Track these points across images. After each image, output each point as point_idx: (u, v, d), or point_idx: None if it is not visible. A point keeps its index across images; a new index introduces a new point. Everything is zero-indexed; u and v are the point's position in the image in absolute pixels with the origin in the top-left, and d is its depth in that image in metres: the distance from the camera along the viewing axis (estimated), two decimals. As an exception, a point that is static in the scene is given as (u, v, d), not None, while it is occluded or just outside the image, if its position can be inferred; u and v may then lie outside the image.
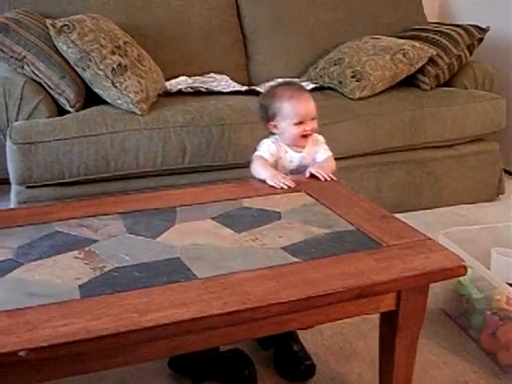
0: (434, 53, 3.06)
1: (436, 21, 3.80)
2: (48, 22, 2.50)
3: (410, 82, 3.09)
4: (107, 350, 1.16)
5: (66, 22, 2.49)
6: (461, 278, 2.02)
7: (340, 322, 2.03)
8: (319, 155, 2.04)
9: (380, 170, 2.88)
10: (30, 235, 1.51)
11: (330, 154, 2.04)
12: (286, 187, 1.85)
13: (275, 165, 2.01)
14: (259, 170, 1.95)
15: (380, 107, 2.85)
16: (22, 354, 1.05)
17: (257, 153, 2.01)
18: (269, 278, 1.30)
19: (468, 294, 2.04)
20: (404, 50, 3.01)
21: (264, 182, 1.90)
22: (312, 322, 1.46)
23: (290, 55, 3.33)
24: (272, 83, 2.98)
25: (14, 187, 2.38)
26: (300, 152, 2.03)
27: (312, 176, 1.94)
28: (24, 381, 1.16)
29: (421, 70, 3.05)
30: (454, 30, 3.20)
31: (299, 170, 2.02)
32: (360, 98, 2.87)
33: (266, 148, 2.01)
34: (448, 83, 3.18)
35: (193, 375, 1.80)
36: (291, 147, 2.02)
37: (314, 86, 3.03)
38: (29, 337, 1.09)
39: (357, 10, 3.53)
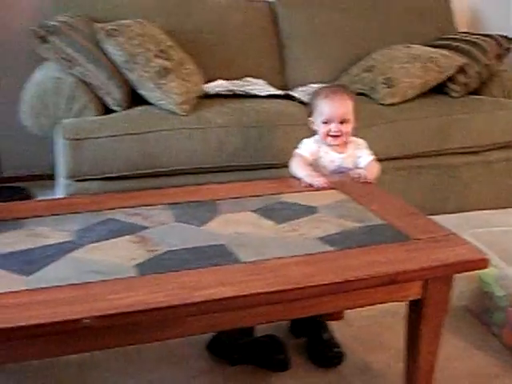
0: (464, 62, 3.16)
1: (466, 30, 3.89)
2: (97, 26, 2.66)
3: (439, 89, 3.18)
4: (161, 321, 1.29)
5: (115, 27, 2.65)
6: (484, 277, 2.13)
7: (368, 315, 2.16)
8: (362, 159, 2.14)
9: (409, 173, 2.98)
10: (86, 221, 1.65)
11: (372, 157, 2.14)
12: (320, 186, 1.95)
13: (315, 164, 2.12)
14: (297, 169, 2.06)
15: (410, 113, 2.95)
16: (86, 321, 1.18)
17: (297, 150, 2.12)
18: (306, 264, 1.42)
19: (491, 291, 2.13)
20: (435, 58, 3.11)
21: (300, 180, 2.01)
22: (344, 306, 1.58)
23: (323, 61, 3.46)
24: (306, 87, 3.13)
25: (62, 181, 2.53)
26: (341, 153, 2.14)
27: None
28: (85, 348, 1.30)
29: (450, 78, 3.15)
30: (483, 40, 3.30)
31: (339, 171, 2.12)
32: (391, 104, 2.98)
33: (307, 147, 2.13)
34: (477, 91, 3.27)
35: (230, 358, 1.92)
36: (332, 148, 2.13)
37: (346, 91, 3.14)
38: (92, 307, 1.22)
39: (389, 19, 3.64)
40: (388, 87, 2.99)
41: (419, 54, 3.15)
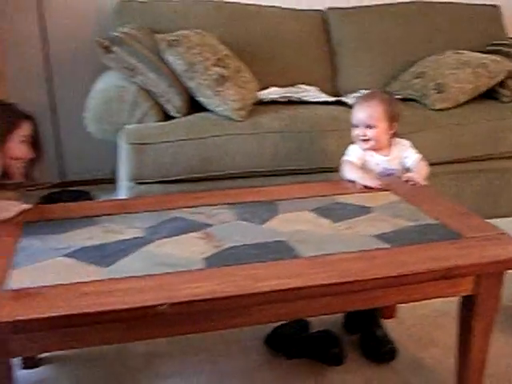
0: (514, 67, 3.20)
1: (517, 36, 3.92)
2: (158, 36, 2.79)
3: (489, 94, 3.22)
4: (228, 310, 1.39)
5: (175, 37, 2.78)
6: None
7: (420, 314, 2.23)
8: (409, 159, 2.20)
9: (460, 177, 3.03)
10: (154, 219, 1.77)
11: (418, 155, 2.20)
12: (375, 186, 2.03)
13: (363, 168, 2.19)
14: (349, 173, 2.13)
15: (461, 118, 3.00)
16: (162, 308, 1.29)
17: (344, 157, 2.20)
18: (363, 259, 1.50)
19: (542, 291, 2.17)
20: (485, 64, 3.15)
21: (354, 182, 2.08)
22: (399, 300, 1.65)
23: (374, 68, 3.54)
24: (359, 94, 3.21)
25: (125, 183, 2.66)
26: (386, 156, 2.21)
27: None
28: (160, 334, 1.42)
29: (501, 84, 3.19)
30: (533, 46, 3.34)
31: (386, 174, 2.19)
32: (441, 109, 3.04)
33: (353, 152, 2.21)
34: (527, 96, 3.30)
35: (286, 352, 2.01)
36: (377, 151, 2.21)
37: (397, 97, 3.20)
38: (167, 295, 1.33)
39: (439, 26, 3.70)
40: (439, 93, 3.05)
41: (469, 60, 3.19)
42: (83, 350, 2.03)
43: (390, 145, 2.22)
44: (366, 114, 2.18)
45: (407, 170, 2.19)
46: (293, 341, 2.02)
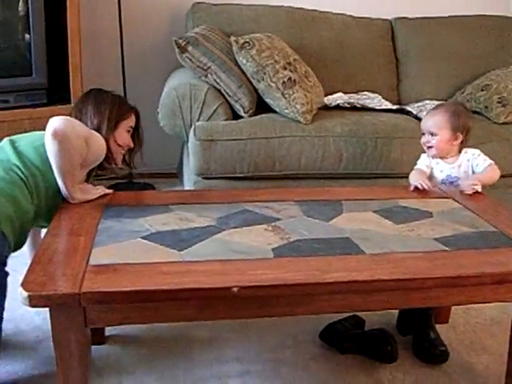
0: None
1: None
2: (232, 38, 2.90)
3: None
4: (295, 297, 1.47)
5: (247, 40, 2.88)
6: None
7: (473, 321, 2.27)
8: (480, 166, 2.26)
9: (522, 191, 3.05)
10: (225, 210, 1.87)
11: (489, 162, 2.26)
12: (422, 187, 2.11)
13: (431, 175, 2.29)
14: (412, 178, 2.23)
15: (523, 132, 3.02)
16: (234, 289, 1.38)
17: (416, 166, 2.31)
18: (423, 259, 1.57)
19: None
20: (550, 79, 3.17)
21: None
22: (456, 301, 1.70)
23: (438, 79, 3.58)
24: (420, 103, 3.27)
25: (192, 177, 2.78)
26: (450, 163, 2.28)
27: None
28: (229, 315, 1.51)
29: None
30: None
31: (449, 180, 2.26)
32: (504, 123, 3.07)
33: (421, 161, 2.32)
34: None
35: (340, 347, 2.09)
36: (443, 159, 2.28)
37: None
38: (239, 279, 1.42)
39: (505, 40, 3.72)
40: (502, 106, 3.08)
41: (535, 76, 3.22)
42: (147, 332, 2.16)
43: (457, 154, 2.29)
44: (429, 122, 2.29)
45: None
46: (347, 336, 2.09)
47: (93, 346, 2.05)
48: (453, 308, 2.29)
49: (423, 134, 2.30)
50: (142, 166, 3.52)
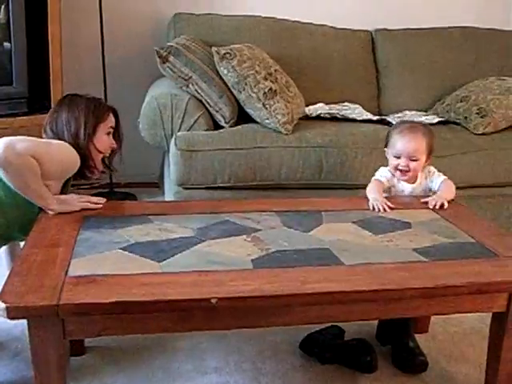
0: (558, 95, 3.24)
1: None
2: (213, 49, 2.91)
3: (532, 121, 3.27)
4: (274, 308, 1.48)
5: (228, 50, 2.89)
6: None
7: (452, 331, 2.29)
8: (435, 183, 2.25)
9: (498, 201, 3.07)
10: (205, 221, 1.87)
11: (443, 177, 2.24)
12: (382, 210, 2.06)
13: (389, 191, 2.27)
14: (369, 191, 2.18)
15: (502, 143, 3.04)
16: (213, 301, 1.39)
17: (375, 177, 2.28)
18: (402, 270, 1.58)
19: None
20: (528, 91, 3.21)
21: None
22: (434, 311, 1.71)
23: (418, 90, 3.62)
24: (401, 114, 3.30)
25: (173, 187, 2.77)
26: (411, 183, 2.26)
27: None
28: (208, 326, 1.52)
29: (543, 111, 3.24)
30: None
31: None
32: (483, 134, 3.09)
33: (383, 174, 2.27)
34: None
35: (320, 357, 2.09)
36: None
37: (439, 119, 3.28)
38: (218, 290, 1.43)
39: (484, 52, 3.77)
40: (481, 117, 3.11)
41: (513, 87, 3.25)
42: (127, 342, 2.15)
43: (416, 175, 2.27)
44: (412, 147, 2.21)
45: (434, 193, 2.24)
46: (327, 346, 2.09)
47: (72, 357, 2.04)
48: (432, 317, 2.30)
49: (397, 157, 2.23)
50: (122, 175, 3.56)
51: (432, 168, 2.30)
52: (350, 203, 2.15)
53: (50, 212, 1.89)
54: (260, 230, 1.82)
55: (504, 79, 3.40)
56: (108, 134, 2.13)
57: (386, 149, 2.33)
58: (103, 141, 2.10)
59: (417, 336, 2.21)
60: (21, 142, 1.80)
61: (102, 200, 2.01)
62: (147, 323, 1.45)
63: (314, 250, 1.69)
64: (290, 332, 2.22)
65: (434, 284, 1.52)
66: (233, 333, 2.21)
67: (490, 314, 1.74)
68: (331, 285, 1.48)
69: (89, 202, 1.96)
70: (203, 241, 1.72)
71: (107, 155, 2.17)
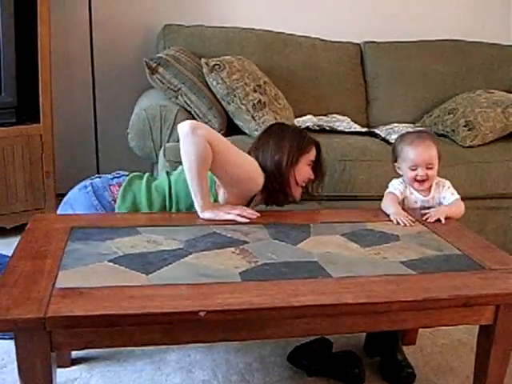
0: (544, 109, 3.27)
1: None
2: (202, 60, 2.92)
3: (518, 134, 3.30)
4: (262, 321, 1.48)
5: (218, 62, 2.90)
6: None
7: (439, 343, 2.29)
8: (446, 200, 2.26)
9: (485, 213, 3.09)
10: (193, 233, 1.87)
11: (457, 197, 2.26)
12: (407, 225, 2.07)
13: (402, 202, 2.27)
14: (387, 205, 2.19)
15: (489, 156, 3.07)
16: (201, 314, 1.39)
17: (388, 189, 2.28)
18: (391, 283, 1.59)
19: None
20: (515, 104, 3.23)
21: (388, 216, 2.14)
22: (422, 324, 1.72)
23: (406, 102, 3.64)
24: (389, 126, 3.31)
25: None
26: (425, 196, 2.27)
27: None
28: (195, 339, 1.51)
29: (530, 124, 3.26)
30: None
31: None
32: (470, 146, 3.11)
33: (396, 186, 2.27)
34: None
35: (308, 369, 2.09)
36: (416, 190, 2.27)
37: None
38: (206, 303, 1.43)
39: (472, 65, 3.80)
40: (469, 130, 3.13)
41: (501, 100, 3.27)
42: (114, 354, 2.14)
43: (431, 185, 2.28)
44: (428, 155, 2.22)
45: None
46: (315, 359, 2.09)
47: (59, 369, 2.02)
48: (420, 330, 2.31)
49: (414, 169, 2.23)
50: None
51: (448, 183, 2.30)
52: (339, 215, 2.16)
53: (200, 216, 1.99)
54: (248, 242, 1.82)
55: (491, 92, 3.42)
56: (308, 165, 2.24)
57: (395, 164, 2.32)
58: (304, 171, 2.22)
59: (405, 348, 2.22)
60: (206, 129, 1.98)
61: (256, 214, 2.05)
62: (135, 336, 1.44)
63: (301, 262, 1.70)
64: (278, 344, 2.22)
65: (421, 297, 1.53)
66: (221, 345, 2.20)
67: (478, 326, 1.75)
68: (319, 298, 1.48)
69: (239, 214, 2.01)
70: (191, 253, 1.72)
71: (303, 185, 2.27)
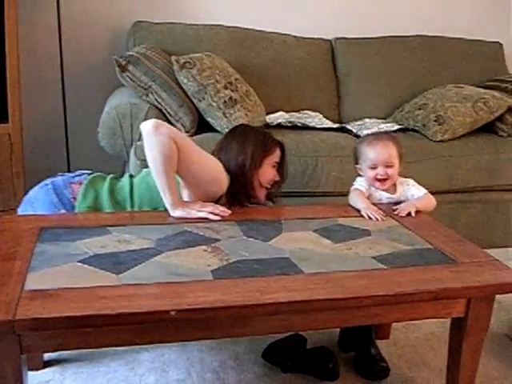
0: (513, 103, 3.31)
1: (518, 73, 4.05)
2: (173, 58, 2.90)
3: (488, 128, 3.33)
4: (234, 319, 1.48)
5: (188, 59, 2.89)
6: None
7: (412, 337, 2.31)
8: (415, 197, 2.26)
9: (456, 207, 3.12)
10: (164, 231, 1.86)
11: (425, 191, 2.27)
12: (378, 220, 2.08)
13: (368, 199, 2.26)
14: (356, 201, 2.20)
15: (459, 150, 3.10)
16: (172, 313, 1.38)
17: (354, 186, 2.28)
18: (362, 278, 1.59)
19: (531, 319, 2.26)
20: (484, 98, 3.26)
21: (359, 211, 2.14)
22: (394, 318, 1.73)
23: (377, 98, 3.66)
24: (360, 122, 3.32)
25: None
26: (390, 194, 2.27)
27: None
28: (167, 338, 1.50)
29: (499, 118, 3.30)
30: (533, 83, 3.46)
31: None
32: (441, 141, 3.14)
33: (361, 183, 2.28)
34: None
35: (282, 366, 2.09)
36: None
37: (398, 127, 3.32)
38: (177, 302, 1.41)
39: (442, 60, 3.84)
40: (439, 124, 3.15)
41: (470, 95, 3.31)
42: (87, 356, 2.12)
43: (395, 184, 2.29)
44: (387, 154, 2.22)
45: None
46: (289, 355, 2.09)
47: (31, 372, 2.00)
48: (393, 324, 2.32)
49: (373, 167, 2.24)
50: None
51: (411, 181, 2.31)
52: (311, 211, 2.16)
53: (171, 214, 1.97)
54: (220, 240, 1.81)
55: (461, 87, 3.45)
56: (273, 167, 2.22)
57: (357, 166, 2.33)
58: (268, 173, 2.20)
59: (378, 342, 2.22)
60: (169, 128, 1.96)
61: (228, 211, 2.03)
62: (106, 337, 1.43)
63: (273, 259, 1.69)
64: (252, 341, 2.22)
65: (393, 291, 1.53)
66: (195, 343, 2.19)
67: (450, 320, 1.76)
68: (291, 294, 1.47)
69: (212, 212, 1.99)
70: (162, 252, 1.70)
71: (269, 187, 2.25)
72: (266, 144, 2.20)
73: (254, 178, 2.16)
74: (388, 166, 2.22)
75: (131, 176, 2.22)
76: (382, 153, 2.23)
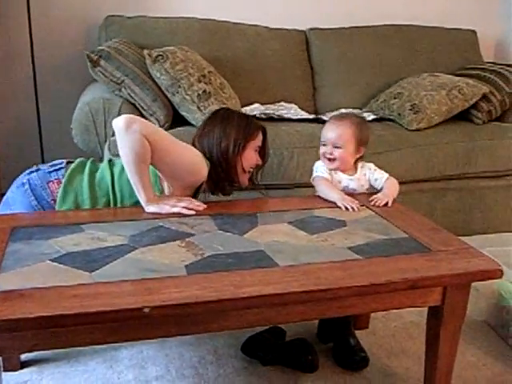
0: (487, 90, 3.33)
1: (492, 60, 4.06)
2: (145, 51, 2.87)
3: (464, 116, 3.35)
4: (209, 314, 1.46)
5: (161, 53, 2.86)
6: (502, 291, 2.27)
7: (391, 325, 2.31)
8: (379, 181, 2.23)
9: (433, 195, 3.13)
10: (138, 227, 1.84)
11: (386, 175, 2.23)
12: (354, 210, 2.06)
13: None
14: (328, 192, 2.14)
15: (435, 138, 3.11)
16: (146, 310, 1.36)
17: (317, 174, 2.22)
18: (338, 269, 1.59)
19: (508, 305, 2.27)
20: (459, 86, 3.28)
21: (334, 203, 2.10)
22: (370, 309, 1.73)
23: (353, 88, 3.66)
24: (336, 113, 3.31)
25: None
26: (349, 175, 2.24)
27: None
28: (142, 336, 1.48)
29: (474, 106, 3.32)
30: (506, 70, 3.47)
31: (346, 192, 2.19)
32: (417, 130, 3.15)
33: (321, 169, 2.22)
34: (500, 118, 3.43)
35: (262, 359, 2.09)
36: (342, 171, 2.23)
37: (374, 117, 3.32)
38: (151, 298, 1.40)
39: (416, 49, 3.84)
40: (414, 113, 3.16)
41: (445, 83, 3.32)
42: (64, 354, 2.10)
43: (355, 167, 2.25)
44: (335, 133, 2.18)
45: (379, 190, 2.22)
46: (268, 348, 2.09)
47: (9, 373, 1.98)
48: (372, 314, 2.33)
49: (324, 144, 2.21)
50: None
51: (372, 165, 2.27)
52: (286, 204, 2.15)
53: (146, 210, 1.95)
54: (194, 234, 1.79)
55: (436, 75, 3.46)
56: (255, 151, 2.20)
57: None
58: (251, 157, 2.18)
59: (357, 332, 2.23)
60: (142, 123, 1.91)
61: (203, 205, 2.02)
62: (80, 336, 1.41)
63: (248, 252, 1.68)
64: (231, 335, 2.21)
65: (368, 282, 1.53)
66: (174, 339, 2.18)
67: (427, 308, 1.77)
68: (266, 288, 1.46)
69: (186, 207, 1.97)
70: (136, 248, 1.68)
71: (251, 171, 2.24)
72: (248, 129, 2.17)
73: (237, 163, 2.14)
74: (336, 146, 2.18)
75: (110, 164, 2.15)
76: (332, 132, 2.20)
